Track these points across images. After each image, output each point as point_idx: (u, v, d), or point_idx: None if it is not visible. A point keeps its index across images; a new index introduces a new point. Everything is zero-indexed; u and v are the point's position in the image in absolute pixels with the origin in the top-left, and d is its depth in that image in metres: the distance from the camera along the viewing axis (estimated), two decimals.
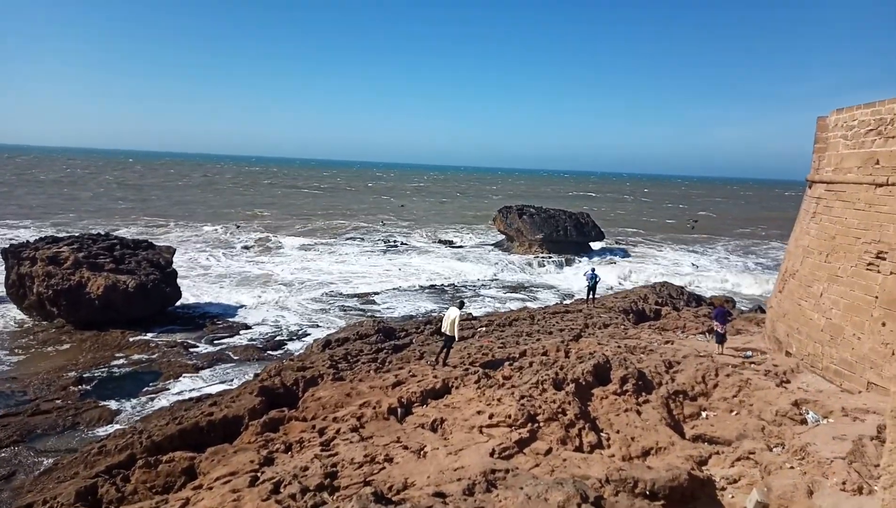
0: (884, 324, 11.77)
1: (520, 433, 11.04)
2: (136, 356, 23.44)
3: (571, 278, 44.64)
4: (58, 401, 18.64)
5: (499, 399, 12.34)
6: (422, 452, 10.76)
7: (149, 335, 25.89)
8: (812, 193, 15.46)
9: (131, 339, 25.23)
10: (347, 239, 61.36)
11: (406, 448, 10.91)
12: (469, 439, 11.17)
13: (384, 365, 17.16)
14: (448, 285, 40.72)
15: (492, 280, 43.39)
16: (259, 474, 9.85)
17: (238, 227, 62.99)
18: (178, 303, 30.32)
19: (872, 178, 12.68)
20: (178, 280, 30.89)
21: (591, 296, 27.09)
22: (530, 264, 49.69)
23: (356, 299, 35.83)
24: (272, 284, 38.57)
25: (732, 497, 9.45)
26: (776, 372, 13.63)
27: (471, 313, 26.76)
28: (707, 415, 12.43)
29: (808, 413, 11.41)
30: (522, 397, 12.12)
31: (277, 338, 27.08)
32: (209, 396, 17.68)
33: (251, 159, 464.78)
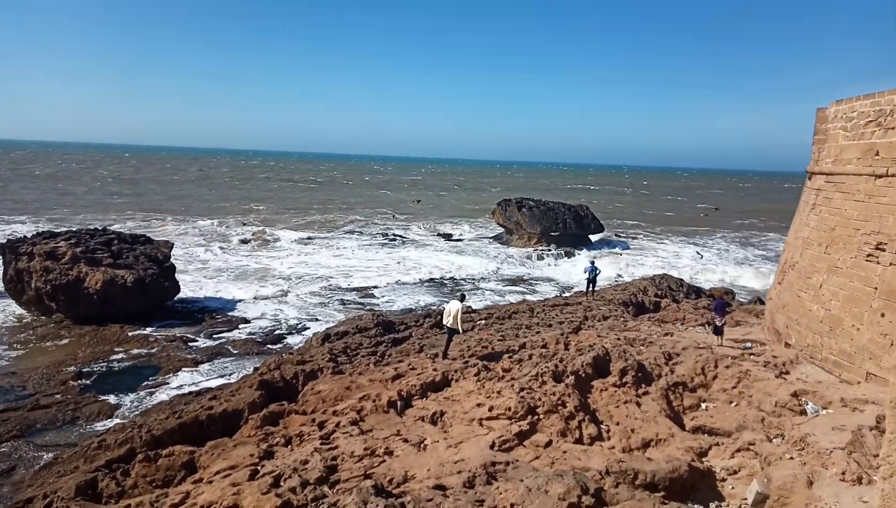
0: (883, 315, 11.78)
1: (520, 426, 11.06)
2: (135, 351, 23.42)
3: (571, 270, 44.64)
4: (57, 396, 18.62)
5: (499, 392, 12.34)
6: (422, 445, 10.78)
7: (148, 330, 25.85)
8: (812, 184, 15.43)
9: (130, 333, 25.19)
10: (346, 233, 61.27)
11: (406, 440, 10.93)
12: (469, 431, 11.18)
13: (384, 358, 17.15)
14: (447, 279, 40.70)
15: (491, 273, 43.38)
16: (259, 467, 9.85)
17: (244, 224, 62.70)
18: (176, 297, 30.27)
19: (872, 169, 12.65)
20: (177, 275, 30.83)
21: (590, 288, 27.08)
22: (529, 257, 49.68)
23: (355, 292, 35.81)
24: (271, 278, 38.52)
25: (732, 488, 9.48)
26: (775, 363, 13.65)
27: (470, 307, 26.75)
28: (707, 406, 12.45)
29: (807, 404, 11.43)
30: (522, 389, 12.13)
31: (276, 332, 27.06)
32: (209, 390, 17.66)
33: (248, 153, 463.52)
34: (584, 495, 7.66)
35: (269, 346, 24.88)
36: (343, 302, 33.30)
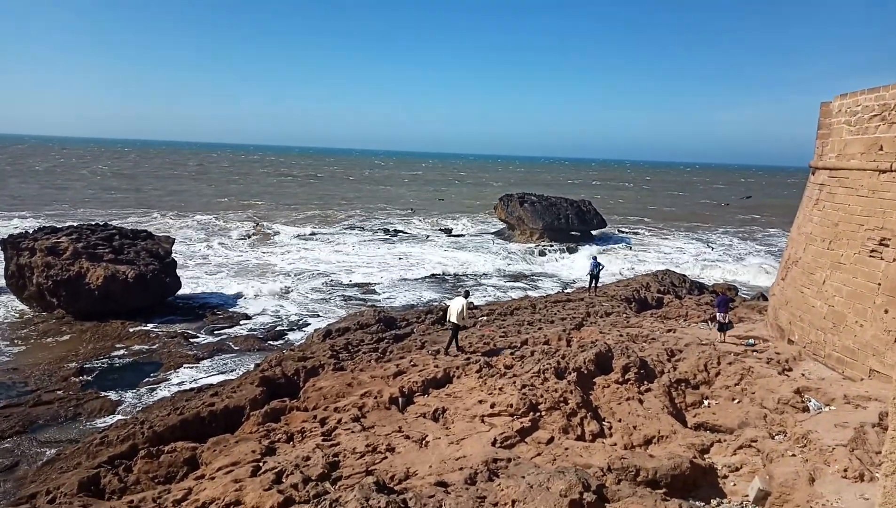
0: (886, 311, 11.73)
1: (521, 423, 11.05)
2: (136, 347, 23.44)
3: (573, 266, 44.57)
4: (59, 392, 18.65)
5: (500, 388, 12.33)
6: (423, 441, 10.77)
7: (149, 326, 25.86)
8: (815, 179, 15.35)
9: (131, 329, 25.21)
10: (346, 228, 61.21)
11: (408, 437, 10.92)
12: (471, 428, 11.17)
13: (385, 355, 17.15)
14: (449, 275, 40.65)
15: (493, 269, 43.32)
16: (261, 464, 9.87)
17: (244, 220, 62.68)
18: (177, 293, 30.28)
19: (876, 164, 12.57)
20: (177, 270, 30.83)
21: (593, 284, 27.02)
22: (531, 253, 49.60)
23: (356, 288, 35.79)
24: (271, 274, 38.53)
25: (734, 484, 9.47)
26: (778, 360, 13.62)
27: (472, 303, 26.73)
28: (709, 403, 12.43)
29: (810, 401, 11.40)
30: (524, 386, 12.12)
31: (278, 328, 27.06)
32: (210, 386, 17.68)
33: (249, 148, 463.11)
34: (586, 492, 7.64)
35: (271, 342, 24.89)
36: (344, 298, 33.29)
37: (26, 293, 27.20)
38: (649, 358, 13.88)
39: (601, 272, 27.60)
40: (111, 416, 17.31)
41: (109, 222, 35.56)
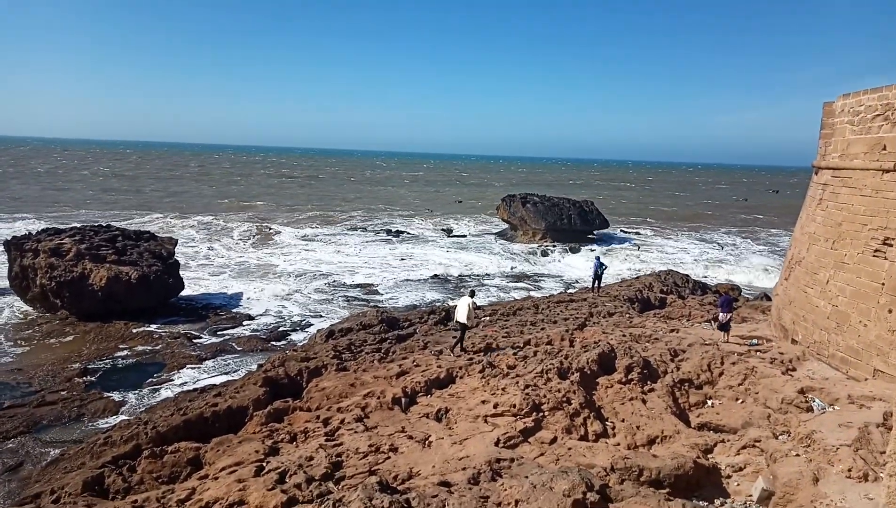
0: (890, 311, 11.70)
1: (524, 423, 11.04)
2: (139, 348, 23.50)
3: (576, 266, 44.55)
4: (63, 392, 18.71)
5: (503, 389, 12.32)
6: (426, 441, 10.77)
7: (152, 327, 25.93)
8: (818, 179, 15.32)
9: (135, 330, 25.27)
10: (348, 229, 61.26)
11: (411, 437, 10.92)
12: (474, 428, 11.17)
13: (388, 355, 17.16)
14: (451, 275, 40.66)
15: (496, 269, 43.32)
16: (264, 464, 9.87)
17: (246, 221, 62.72)
18: (180, 294, 30.34)
19: (879, 164, 12.55)
20: (180, 271, 30.89)
21: (596, 284, 27.02)
22: (534, 253, 49.60)
23: (359, 289, 35.82)
24: (274, 274, 38.59)
25: (738, 484, 9.45)
26: (782, 360, 13.59)
27: (475, 303, 26.72)
28: (712, 403, 12.41)
29: (813, 401, 11.37)
30: (527, 386, 12.11)
31: (281, 329, 27.11)
32: (213, 387, 17.72)
33: (250, 149, 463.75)
34: (589, 491, 7.63)
35: (274, 343, 24.94)
36: (347, 299, 33.32)
37: (30, 294, 27.29)
38: (652, 358, 13.87)
39: (604, 273, 27.60)
40: (115, 416, 17.37)
41: (111, 224, 35.65)
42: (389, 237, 56.65)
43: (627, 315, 21.52)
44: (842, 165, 13.89)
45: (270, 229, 57.88)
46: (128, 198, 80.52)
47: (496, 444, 10.38)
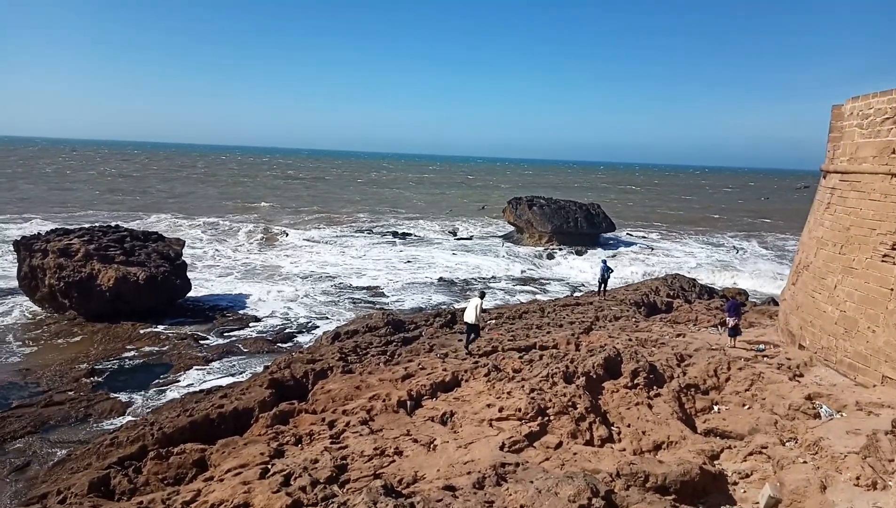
0: None
1: (530, 427, 11.01)
2: (146, 348, 23.62)
3: (582, 269, 44.44)
4: (70, 393, 18.82)
5: (509, 393, 12.30)
6: (431, 445, 10.77)
7: (159, 328, 26.06)
8: (826, 183, 15.22)
9: (142, 331, 25.41)
10: (355, 231, 61.37)
11: (416, 441, 10.92)
12: (479, 432, 11.15)
13: (393, 358, 17.17)
14: (457, 278, 40.66)
15: (502, 272, 43.27)
16: (269, 466, 9.89)
17: (252, 222, 62.93)
18: (187, 295, 30.48)
19: (888, 168, 12.45)
20: (187, 272, 31.03)
21: (602, 288, 26.95)
22: (540, 256, 49.52)
23: (365, 291, 35.88)
24: (280, 276, 38.70)
25: (744, 491, 9.39)
26: (789, 366, 13.49)
27: (482, 304, 26.73)
28: (719, 409, 12.34)
29: (821, 407, 11.28)
30: (532, 390, 12.08)
31: (287, 330, 27.18)
32: (219, 388, 17.78)
33: (258, 150, 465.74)
34: (595, 497, 7.61)
35: (280, 344, 25.00)
36: (353, 301, 33.38)
37: (38, 295, 27.48)
38: (658, 363, 13.80)
39: (610, 276, 27.53)
40: (121, 417, 17.46)
41: (120, 224, 35.86)
42: (395, 239, 56.71)
43: (634, 319, 21.44)
44: (850, 168, 13.78)
45: (276, 230, 58.07)
46: (134, 198, 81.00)
47: (501, 448, 10.36)
